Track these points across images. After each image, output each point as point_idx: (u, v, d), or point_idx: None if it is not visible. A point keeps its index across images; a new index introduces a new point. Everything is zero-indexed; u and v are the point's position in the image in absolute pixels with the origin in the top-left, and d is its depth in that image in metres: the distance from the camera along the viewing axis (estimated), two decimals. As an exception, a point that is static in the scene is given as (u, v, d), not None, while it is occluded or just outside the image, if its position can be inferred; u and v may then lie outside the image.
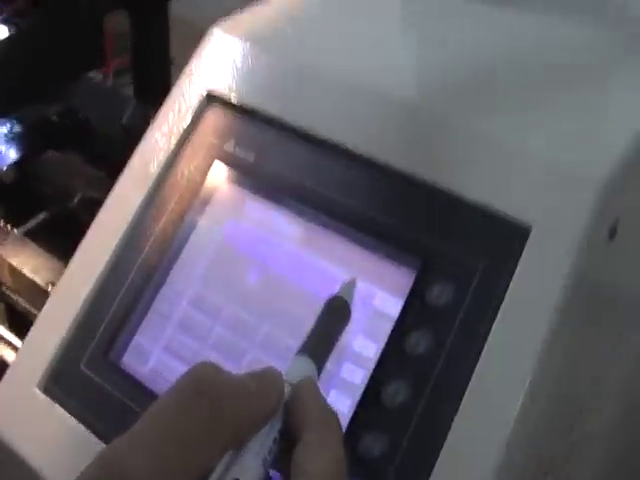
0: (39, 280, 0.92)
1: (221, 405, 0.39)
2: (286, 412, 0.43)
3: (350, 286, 0.53)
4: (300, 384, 0.45)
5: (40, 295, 0.89)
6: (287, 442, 0.42)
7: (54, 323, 0.69)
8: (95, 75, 1.42)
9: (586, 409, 0.64)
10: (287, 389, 0.44)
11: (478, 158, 0.61)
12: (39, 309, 0.71)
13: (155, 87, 1.07)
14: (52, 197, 1.06)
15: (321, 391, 0.45)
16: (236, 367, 0.62)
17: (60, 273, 0.73)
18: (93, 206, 0.72)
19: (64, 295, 0.71)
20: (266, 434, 0.41)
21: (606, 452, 0.68)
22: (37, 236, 1.01)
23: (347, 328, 0.54)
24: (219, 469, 0.39)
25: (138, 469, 0.36)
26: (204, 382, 0.39)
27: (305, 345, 0.48)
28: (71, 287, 0.71)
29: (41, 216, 1.04)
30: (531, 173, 0.59)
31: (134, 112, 1.12)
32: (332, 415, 0.44)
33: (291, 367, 0.46)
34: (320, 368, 0.48)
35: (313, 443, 0.41)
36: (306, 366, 0.46)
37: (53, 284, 0.90)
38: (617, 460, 0.72)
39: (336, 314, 0.51)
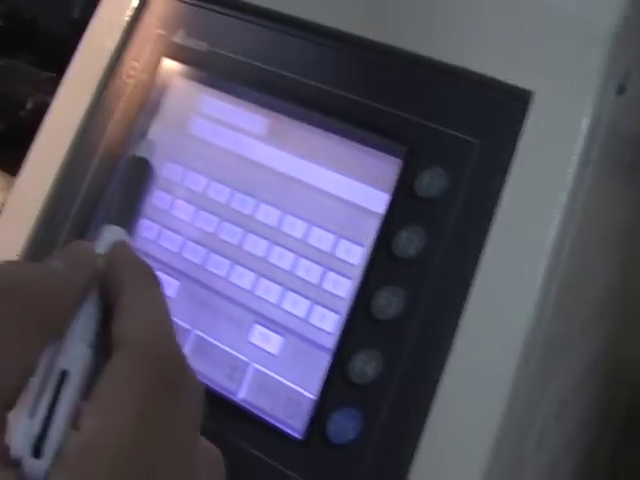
0: (-7, 202, 0.84)
1: (27, 297, 0.34)
2: (102, 283, 0.38)
3: (148, 145, 0.49)
4: (112, 250, 0.40)
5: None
6: (109, 316, 0.37)
7: (6, 245, 0.62)
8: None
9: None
10: (101, 262, 0.39)
11: (461, 17, 0.52)
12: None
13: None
14: (2, 108, 0.97)
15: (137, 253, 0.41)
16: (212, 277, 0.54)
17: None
18: (47, 111, 0.64)
19: (14, 215, 0.63)
20: (88, 314, 0.37)
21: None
22: (-11, 154, 0.93)
23: (327, 231, 0.50)
24: (43, 365, 0.35)
25: None
26: (4, 281, 0.34)
27: (111, 215, 0.44)
28: (20, 206, 0.63)
29: (-8, 130, 0.95)
30: (527, 31, 0.51)
31: (84, 5, 1.02)
32: (148, 272, 0.39)
33: (100, 239, 0.42)
34: (131, 232, 0.44)
35: (130, 305, 0.36)
36: (116, 234, 0.42)
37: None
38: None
39: (137, 175, 0.47)
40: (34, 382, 0.34)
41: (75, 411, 0.34)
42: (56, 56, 1.02)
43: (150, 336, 0.34)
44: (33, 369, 0.34)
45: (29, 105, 0.93)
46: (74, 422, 0.33)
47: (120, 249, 0.40)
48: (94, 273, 0.38)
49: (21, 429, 0.33)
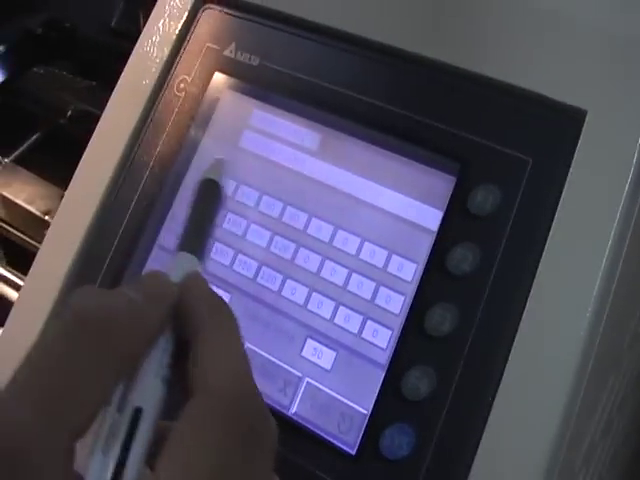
0: (35, 210, 0.85)
1: (106, 331, 0.34)
2: (176, 315, 0.37)
3: (218, 166, 0.47)
4: (186, 282, 0.39)
5: (38, 226, 0.82)
6: (182, 350, 0.37)
7: (56, 257, 0.62)
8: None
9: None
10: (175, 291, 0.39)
11: (517, 36, 0.53)
12: (38, 241, 0.64)
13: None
14: (42, 116, 0.98)
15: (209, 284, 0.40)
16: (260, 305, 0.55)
17: (57, 200, 0.65)
18: (87, 119, 0.64)
19: (64, 227, 0.64)
20: (162, 349, 0.36)
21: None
22: (29, 161, 0.93)
23: (380, 247, 0.50)
24: (115, 397, 0.35)
25: (23, 424, 0.31)
26: (85, 310, 0.34)
27: (182, 241, 0.43)
28: (70, 218, 0.63)
29: (33, 138, 0.95)
30: (581, 51, 0.51)
31: (123, 13, 1.03)
32: (226, 309, 0.38)
33: (173, 267, 0.41)
34: (203, 259, 0.43)
35: (210, 346, 0.36)
36: (189, 262, 0.41)
37: (50, 213, 0.83)
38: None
39: (208, 198, 0.46)
40: (106, 414, 0.34)
41: (149, 447, 0.33)
42: (94, 64, 1.03)
43: (232, 383, 0.34)
44: (106, 401, 0.34)
45: (69, 113, 0.94)
46: (148, 459, 0.33)
47: (195, 281, 0.39)
48: (171, 307, 0.37)
49: (95, 466, 0.33)
